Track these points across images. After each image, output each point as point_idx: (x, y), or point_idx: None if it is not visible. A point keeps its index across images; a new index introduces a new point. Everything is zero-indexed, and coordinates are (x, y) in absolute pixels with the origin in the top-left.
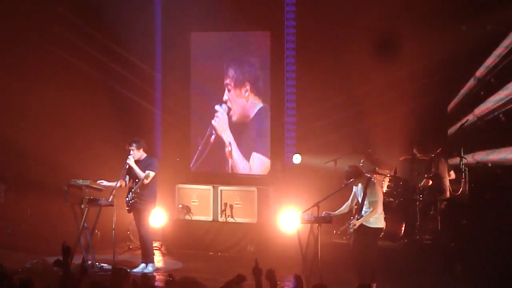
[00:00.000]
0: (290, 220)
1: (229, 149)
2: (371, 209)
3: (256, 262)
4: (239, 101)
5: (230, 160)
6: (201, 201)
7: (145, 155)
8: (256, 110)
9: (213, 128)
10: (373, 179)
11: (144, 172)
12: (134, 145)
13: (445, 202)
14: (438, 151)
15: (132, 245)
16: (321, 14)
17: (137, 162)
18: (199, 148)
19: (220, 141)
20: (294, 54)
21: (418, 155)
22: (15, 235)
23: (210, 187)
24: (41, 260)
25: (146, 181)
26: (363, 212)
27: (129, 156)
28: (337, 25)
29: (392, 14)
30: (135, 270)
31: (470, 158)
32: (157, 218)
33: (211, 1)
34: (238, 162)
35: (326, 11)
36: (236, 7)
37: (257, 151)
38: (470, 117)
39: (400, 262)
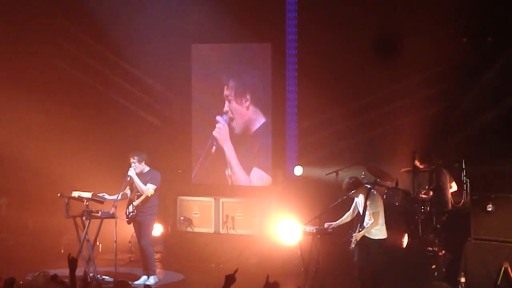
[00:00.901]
0: (291, 232)
1: (230, 161)
2: (372, 220)
3: (267, 278)
4: (240, 112)
5: (230, 172)
6: (203, 213)
7: (147, 168)
8: (258, 125)
9: (214, 139)
10: (373, 190)
11: (145, 185)
12: (135, 158)
13: (446, 214)
14: (440, 162)
15: (133, 257)
16: (323, 26)
17: (139, 175)
18: (200, 159)
19: (221, 152)
20: (295, 65)
21: (420, 166)
22: (17, 248)
23: (211, 199)
24: (42, 273)
25: (148, 195)
26: (364, 223)
27: (130, 168)
28: (339, 36)
29: (394, 25)
30: (136, 282)
31: (472, 169)
32: (156, 229)
33: (211, 13)
34: (238, 174)
35: (327, 23)
36: (237, 19)
37: (258, 167)
38: (473, 128)
39: (402, 273)
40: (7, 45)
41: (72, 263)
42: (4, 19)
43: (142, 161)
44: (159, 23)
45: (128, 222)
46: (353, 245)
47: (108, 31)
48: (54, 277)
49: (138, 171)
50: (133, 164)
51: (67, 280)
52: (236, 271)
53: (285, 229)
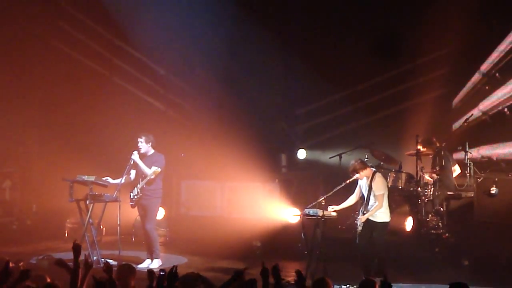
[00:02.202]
0: (295, 215)
1: None
2: (377, 203)
3: (263, 264)
4: None
5: None
6: (207, 196)
7: (153, 150)
8: None
9: None
10: (378, 173)
11: (150, 168)
12: (143, 137)
13: (450, 197)
14: (442, 145)
15: (137, 240)
16: (327, 11)
17: (143, 157)
18: None
19: None
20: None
21: (423, 149)
22: (21, 231)
23: (215, 183)
24: (46, 256)
25: (151, 177)
26: (369, 206)
27: (134, 152)
28: (341, 21)
29: (396, 8)
30: (140, 266)
31: (475, 153)
32: (159, 213)
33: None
34: None
35: (331, 7)
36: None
37: None
38: (475, 112)
39: (406, 257)
40: (10, 28)
41: (76, 249)
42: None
43: (149, 142)
44: (163, 7)
45: (133, 206)
46: (359, 228)
47: (115, 16)
48: (59, 261)
49: (143, 151)
50: (140, 144)
51: (71, 263)
52: (245, 269)
53: (289, 212)
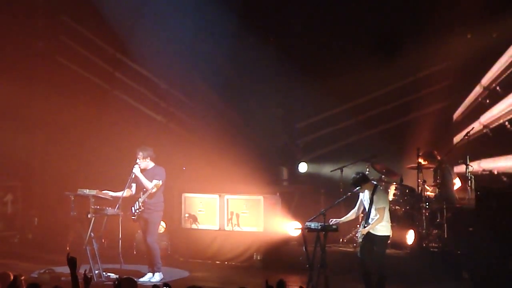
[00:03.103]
0: (296, 228)
1: None
2: (378, 216)
3: (266, 282)
4: None
5: None
6: (208, 210)
7: (152, 164)
8: None
9: None
10: (379, 186)
11: (151, 181)
12: (140, 154)
13: (451, 210)
14: (443, 158)
15: (138, 254)
16: (325, 23)
17: (144, 171)
18: None
19: None
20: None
21: (424, 163)
22: (23, 245)
23: (216, 196)
24: (48, 270)
25: (152, 191)
26: (369, 219)
27: (135, 166)
28: (341, 34)
29: (396, 21)
30: (142, 279)
31: (476, 166)
32: (161, 227)
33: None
34: None
35: (330, 20)
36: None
37: None
38: (476, 125)
39: (407, 270)
40: (12, 42)
41: (71, 263)
42: (7, 15)
43: (147, 157)
44: (163, 20)
45: (135, 220)
46: (360, 239)
47: (115, 29)
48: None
49: (143, 167)
50: (138, 160)
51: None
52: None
53: (290, 225)
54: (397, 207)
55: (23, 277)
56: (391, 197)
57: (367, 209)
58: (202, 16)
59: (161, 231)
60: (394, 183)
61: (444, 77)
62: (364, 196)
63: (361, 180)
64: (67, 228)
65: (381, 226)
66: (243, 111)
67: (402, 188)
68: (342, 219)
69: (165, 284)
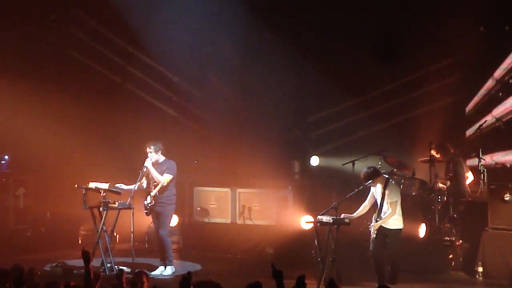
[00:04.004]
0: (308, 222)
1: None
2: (390, 210)
3: (272, 266)
4: None
5: None
6: (220, 203)
7: (163, 158)
8: None
9: None
10: (391, 180)
11: (162, 175)
12: (152, 147)
13: (463, 204)
14: (456, 152)
15: (150, 247)
16: (337, 16)
17: (155, 165)
18: None
19: None
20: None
21: (436, 156)
22: (35, 239)
23: (228, 190)
24: (60, 263)
25: (164, 184)
26: (382, 213)
27: (147, 159)
28: (352, 27)
29: (409, 14)
30: (153, 272)
31: (488, 159)
32: (173, 220)
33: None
34: None
35: (341, 13)
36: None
37: None
38: (489, 118)
39: (419, 263)
40: (24, 37)
41: (86, 256)
42: (20, 10)
43: (158, 151)
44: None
45: (147, 214)
46: (373, 235)
47: (126, 21)
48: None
49: (153, 160)
50: (149, 154)
51: (83, 270)
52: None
53: (302, 219)
54: (409, 200)
55: (36, 271)
56: (403, 190)
57: (379, 203)
58: (213, 8)
59: (173, 225)
60: (407, 176)
61: (457, 70)
62: (376, 190)
63: (373, 174)
64: (79, 221)
65: (393, 220)
66: (255, 105)
67: (414, 181)
68: (354, 214)
69: (188, 273)
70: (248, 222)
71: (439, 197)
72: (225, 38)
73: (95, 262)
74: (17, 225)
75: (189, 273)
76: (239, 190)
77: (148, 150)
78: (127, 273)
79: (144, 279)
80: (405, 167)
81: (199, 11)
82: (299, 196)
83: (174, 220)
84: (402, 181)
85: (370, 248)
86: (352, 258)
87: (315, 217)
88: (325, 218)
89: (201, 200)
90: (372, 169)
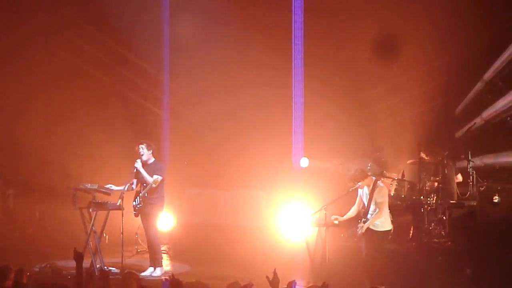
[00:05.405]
0: (297, 223)
1: None
2: (377, 210)
3: (274, 273)
4: None
5: None
6: (209, 204)
7: (153, 159)
8: None
9: None
10: (379, 182)
11: (152, 176)
12: (144, 144)
13: (452, 205)
14: (445, 154)
15: (140, 248)
16: (328, 19)
17: (144, 165)
18: None
19: None
20: (301, 58)
21: (426, 158)
22: (24, 239)
23: (218, 191)
24: (49, 264)
25: (153, 186)
26: (368, 215)
27: (137, 160)
28: (345, 29)
29: (399, 17)
30: (143, 273)
31: (478, 161)
32: (165, 221)
33: (217, 7)
34: None
35: (333, 16)
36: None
37: None
38: (478, 120)
39: (408, 265)
40: (13, 37)
41: (78, 257)
42: (10, 11)
43: (150, 149)
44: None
45: (136, 215)
46: (359, 231)
47: (115, 23)
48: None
49: (145, 158)
50: (141, 150)
51: (73, 271)
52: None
53: (291, 220)
54: (398, 202)
55: (26, 271)
56: (392, 192)
57: (366, 204)
58: (204, 8)
59: (167, 228)
60: (396, 178)
61: (446, 72)
62: (363, 192)
63: (359, 176)
64: (68, 222)
65: (381, 221)
66: (245, 105)
67: (403, 183)
68: (343, 217)
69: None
70: (238, 223)
71: (428, 199)
72: (215, 37)
73: (84, 263)
74: (7, 225)
75: (172, 276)
76: (229, 191)
77: (140, 146)
78: (117, 273)
79: (134, 280)
80: (394, 169)
81: (189, 11)
82: (288, 197)
83: (169, 223)
84: (392, 182)
85: (363, 254)
86: (341, 259)
87: (304, 218)
88: (314, 220)
89: (191, 202)
90: (359, 170)
